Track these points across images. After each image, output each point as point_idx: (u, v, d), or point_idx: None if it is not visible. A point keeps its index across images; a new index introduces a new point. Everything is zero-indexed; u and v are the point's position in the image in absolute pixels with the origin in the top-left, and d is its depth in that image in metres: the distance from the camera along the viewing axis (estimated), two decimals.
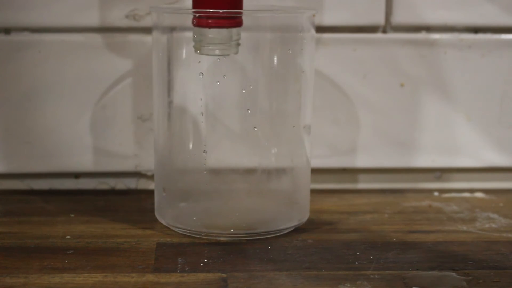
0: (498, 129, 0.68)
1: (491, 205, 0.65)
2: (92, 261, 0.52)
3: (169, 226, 0.58)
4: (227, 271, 0.50)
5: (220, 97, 0.56)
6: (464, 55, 0.67)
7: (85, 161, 0.66)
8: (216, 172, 0.57)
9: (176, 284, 0.48)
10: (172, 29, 0.56)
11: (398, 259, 0.53)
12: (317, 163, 0.67)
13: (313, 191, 0.63)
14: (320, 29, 0.65)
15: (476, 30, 0.67)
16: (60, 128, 0.66)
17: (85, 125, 0.66)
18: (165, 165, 0.58)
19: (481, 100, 0.68)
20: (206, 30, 0.54)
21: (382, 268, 0.51)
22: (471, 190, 0.69)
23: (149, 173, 0.67)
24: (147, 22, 0.64)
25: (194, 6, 0.54)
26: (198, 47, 0.55)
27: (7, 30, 0.64)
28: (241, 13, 0.54)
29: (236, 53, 0.55)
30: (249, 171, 0.57)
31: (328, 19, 0.65)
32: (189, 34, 0.55)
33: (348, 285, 0.49)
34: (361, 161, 0.68)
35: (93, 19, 0.64)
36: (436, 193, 0.68)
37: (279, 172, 0.58)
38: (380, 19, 0.66)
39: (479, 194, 0.68)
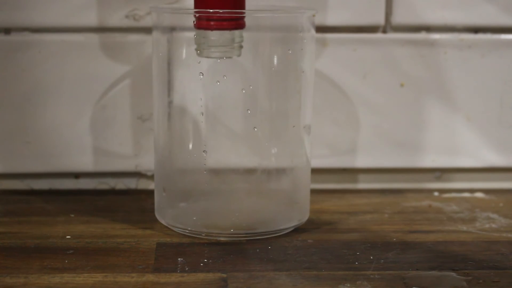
0: (498, 129, 0.68)
1: (491, 205, 0.65)
2: (92, 261, 0.52)
3: (169, 226, 0.58)
4: (227, 271, 0.50)
5: (220, 97, 0.56)
6: (464, 55, 0.67)
7: (85, 161, 0.66)
8: (216, 172, 0.57)
9: (176, 284, 0.48)
10: (172, 29, 0.56)
11: (398, 259, 0.53)
12: (317, 163, 0.67)
13: (313, 191, 0.63)
14: (321, 29, 0.65)
15: (476, 30, 0.67)
16: (60, 128, 0.66)
17: (85, 125, 0.66)
18: (165, 165, 0.58)
19: (481, 100, 0.68)
20: (209, 32, 0.54)
21: (382, 268, 0.51)
22: (471, 190, 0.69)
23: (149, 173, 0.67)
24: (147, 22, 0.64)
25: (196, 7, 0.54)
26: (201, 50, 0.55)
27: (7, 30, 0.64)
28: (243, 14, 0.54)
29: (239, 55, 0.55)
30: (249, 171, 0.57)
31: (328, 19, 0.65)
32: (189, 34, 0.55)
33: (348, 285, 0.49)
34: (361, 161, 0.68)
35: (93, 19, 0.64)
36: (436, 193, 0.68)
37: (279, 172, 0.58)
38: (380, 19, 0.66)
39: (479, 194, 0.68)
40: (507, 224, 0.60)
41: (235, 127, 0.57)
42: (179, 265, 0.51)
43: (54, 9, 0.64)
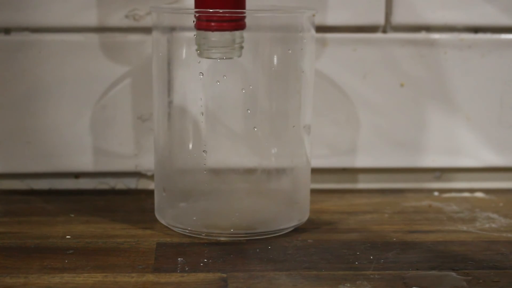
0: (498, 129, 0.68)
1: (491, 205, 0.65)
2: (92, 261, 0.52)
3: (169, 226, 0.58)
4: (227, 271, 0.50)
5: (220, 97, 0.56)
6: (464, 55, 0.67)
7: (85, 161, 0.66)
8: (216, 172, 0.57)
9: (176, 284, 0.48)
10: (172, 29, 0.56)
11: (398, 259, 0.53)
12: (317, 163, 0.67)
13: (313, 191, 0.63)
14: (321, 29, 0.65)
15: (476, 30, 0.67)
16: (60, 128, 0.66)
17: (85, 125, 0.66)
18: (165, 165, 0.58)
19: (481, 100, 0.68)
20: (209, 33, 0.54)
21: (382, 268, 0.51)
22: (471, 190, 0.69)
23: (149, 173, 0.67)
24: (147, 22, 0.64)
25: (196, 7, 0.54)
26: (201, 51, 0.55)
27: (7, 30, 0.64)
28: (243, 14, 0.54)
29: (240, 56, 0.55)
30: (249, 171, 0.57)
31: (328, 19, 0.65)
32: (189, 34, 0.55)
33: (348, 285, 0.49)
34: (361, 161, 0.68)
35: (93, 19, 0.64)
36: (436, 193, 0.68)
37: (279, 172, 0.58)
38: (380, 19, 0.66)
39: (479, 194, 0.68)
40: (507, 224, 0.60)
41: (235, 127, 0.57)
42: (179, 265, 0.51)
43: (54, 9, 0.64)
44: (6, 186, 0.67)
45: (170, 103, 0.58)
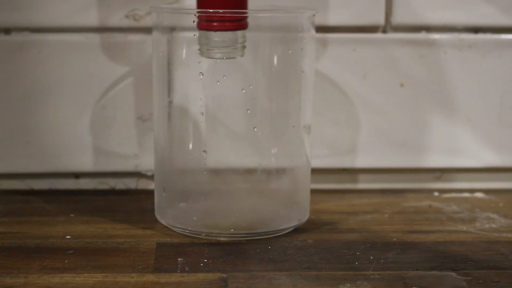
0: (498, 129, 0.68)
1: (491, 205, 0.65)
2: (92, 261, 0.52)
3: (169, 226, 0.58)
4: (227, 271, 0.50)
5: (220, 97, 0.56)
6: (464, 55, 0.67)
7: (85, 161, 0.66)
8: (216, 172, 0.57)
9: (176, 284, 0.48)
10: (172, 29, 0.56)
11: (398, 259, 0.53)
12: (317, 163, 0.67)
13: (313, 191, 0.63)
14: (321, 29, 0.65)
15: (476, 30, 0.67)
16: (60, 128, 0.66)
17: (85, 125, 0.66)
18: (165, 165, 0.58)
19: (481, 100, 0.68)
20: (212, 33, 0.54)
21: (382, 268, 0.51)
22: (471, 190, 0.69)
23: (149, 173, 0.67)
24: (147, 22, 0.64)
25: (198, 7, 0.54)
26: (203, 51, 0.55)
27: (7, 30, 0.64)
28: (245, 14, 0.54)
29: (242, 55, 0.55)
30: (249, 171, 0.57)
31: (328, 19, 0.65)
32: (189, 34, 0.55)
33: (348, 285, 0.48)
34: (361, 161, 0.68)
35: (93, 19, 0.64)
36: (436, 193, 0.68)
37: (279, 172, 0.58)
38: (380, 19, 0.66)
39: (479, 194, 0.68)
40: (507, 224, 0.60)
41: (235, 127, 0.57)
42: (179, 265, 0.51)
43: (54, 9, 0.64)
44: (6, 186, 0.67)
45: (170, 103, 0.58)
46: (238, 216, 0.56)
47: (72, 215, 0.61)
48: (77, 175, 0.68)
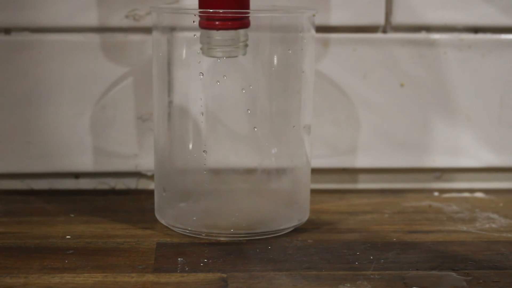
0: (498, 129, 0.68)
1: (491, 205, 0.65)
2: (92, 261, 0.52)
3: (169, 226, 0.58)
4: (227, 271, 0.50)
5: (220, 97, 0.56)
6: (464, 55, 0.67)
7: (85, 161, 0.66)
8: (216, 172, 0.57)
9: (176, 284, 0.48)
10: (172, 29, 0.56)
11: (398, 259, 0.53)
12: (317, 163, 0.67)
13: (313, 191, 0.63)
14: (321, 29, 0.65)
15: (476, 30, 0.67)
16: (60, 128, 0.66)
17: (85, 125, 0.66)
18: (165, 165, 0.58)
19: (481, 100, 0.68)
20: (214, 32, 0.54)
21: (382, 268, 0.51)
22: (471, 190, 0.69)
23: (149, 173, 0.67)
24: (147, 22, 0.64)
25: (200, 7, 0.54)
26: (205, 50, 0.55)
27: (7, 30, 0.64)
28: (247, 13, 0.54)
29: (244, 54, 0.55)
30: (249, 171, 0.57)
31: (328, 19, 0.65)
32: (189, 34, 0.55)
33: (348, 285, 0.48)
34: (361, 161, 0.68)
35: (93, 19, 0.64)
36: (436, 193, 0.68)
37: (279, 172, 0.58)
38: (380, 19, 0.66)
39: (479, 194, 0.68)
40: (507, 224, 0.60)
41: (235, 127, 0.57)
42: (179, 265, 0.51)
43: (54, 9, 0.64)
44: (6, 186, 0.67)
45: (170, 103, 0.58)
46: (238, 216, 0.56)
47: (72, 215, 0.61)
48: (77, 175, 0.68)
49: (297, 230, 0.58)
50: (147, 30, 0.65)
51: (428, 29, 0.67)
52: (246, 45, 0.55)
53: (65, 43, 0.65)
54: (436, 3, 0.66)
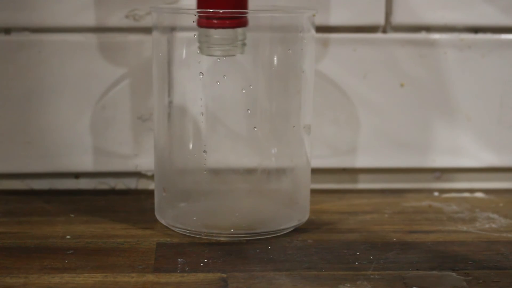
0: (498, 129, 0.68)
1: (491, 205, 0.65)
2: (92, 261, 0.52)
3: (169, 226, 0.58)
4: (227, 271, 0.50)
5: (220, 97, 0.56)
6: (464, 55, 0.67)
7: (85, 161, 0.66)
8: (216, 172, 0.57)
9: (176, 284, 0.48)
10: (172, 29, 0.56)
11: (398, 259, 0.53)
12: (317, 163, 0.67)
13: (313, 191, 0.63)
14: (321, 29, 0.65)
15: (476, 30, 0.67)
16: (60, 128, 0.66)
17: (85, 125, 0.66)
18: (165, 165, 0.58)
19: (481, 100, 0.68)
20: (211, 30, 0.54)
21: (382, 268, 0.51)
22: (471, 190, 0.69)
23: (149, 173, 0.67)
24: (147, 22, 0.64)
25: (198, 7, 0.54)
26: (203, 48, 0.55)
27: (7, 30, 0.64)
28: (245, 13, 0.54)
29: (242, 53, 0.55)
30: (249, 171, 0.57)
31: (328, 19, 0.65)
32: (189, 34, 0.55)
33: (348, 285, 0.48)
34: (361, 161, 0.68)
35: (93, 19, 0.64)
36: (436, 193, 0.68)
37: (279, 172, 0.58)
38: (380, 19, 0.66)
39: (479, 194, 0.68)
40: (507, 224, 0.60)
41: (235, 127, 0.57)
42: (179, 265, 0.51)
43: (54, 9, 0.64)
44: (6, 186, 0.67)
45: (170, 103, 0.58)
46: (238, 216, 0.56)
47: (72, 215, 0.61)
48: (77, 175, 0.68)
49: (297, 230, 0.58)
50: (147, 30, 0.65)
51: (428, 29, 0.67)
52: (244, 44, 0.55)
53: (65, 43, 0.65)
54: (436, 3, 0.66)
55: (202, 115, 0.56)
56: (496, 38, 0.67)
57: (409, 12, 0.66)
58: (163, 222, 0.58)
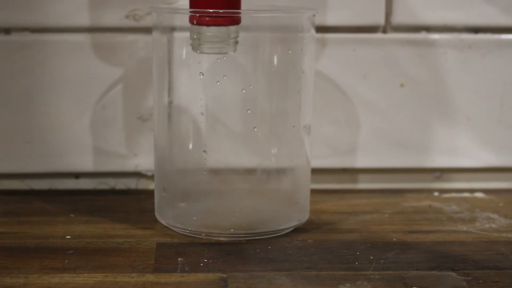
0: (498, 129, 0.68)
1: (491, 205, 0.65)
2: (92, 261, 0.52)
3: (169, 226, 0.58)
4: (227, 271, 0.50)
5: (220, 97, 0.56)
6: (464, 55, 0.67)
7: (85, 161, 0.66)
8: (216, 172, 0.57)
9: (176, 284, 0.48)
10: (172, 29, 0.56)
11: (398, 259, 0.53)
12: (317, 163, 0.67)
13: (313, 191, 0.63)
14: (321, 29, 0.65)
15: (476, 30, 0.67)
16: (60, 128, 0.66)
17: (85, 125, 0.66)
18: (165, 165, 0.58)
19: (481, 100, 0.68)
20: (204, 28, 0.54)
21: (382, 268, 0.51)
22: (471, 190, 0.69)
23: (149, 173, 0.67)
24: (147, 22, 0.64)
25: (191, 6, 0.54)
26: (196, 46, 0.55)
27: (7, 30, 0.64)
28: (239, 13, 0.54)
29: (234, 51, 0.55)
30: (249, 171, 0.57)
31: (328, 19, 0.65)
32: (189, 34, 0.55)
33: (348, 285, 0.49)
34: (361, 161, 0.68)
35: (93, 19, 0.64)
36: (436, 193, 0.68)
37: (279, 172, 0.58)
38: (380, 19, 0.66)
39: (479, 194, 0.68)
40: (507, 224, 0.60)
41: (235, 127, 0.57)
42: (179, 265, 0.51)
43: (54, 9, 0.64)
44: (6, 186, 0.67)
45: (170, 103, 0.58)
46: (238, 216, 0.56)
47: (72, 215, 0.61)
48: (77, 175, 0.68)
49: (297, 230, 0.58)
50: (147, 30, 0.65)
51: (428, 29, 0.67)
52: (237, 42, 0.55)
53: (65, 43, 0.65)
54: (436, 3, 0.66)
55: (202, 115, 0.56)
56: (496, 38, 0.67)
57: (409, 12, 0.66)
58: (163, 222, 0.58)
